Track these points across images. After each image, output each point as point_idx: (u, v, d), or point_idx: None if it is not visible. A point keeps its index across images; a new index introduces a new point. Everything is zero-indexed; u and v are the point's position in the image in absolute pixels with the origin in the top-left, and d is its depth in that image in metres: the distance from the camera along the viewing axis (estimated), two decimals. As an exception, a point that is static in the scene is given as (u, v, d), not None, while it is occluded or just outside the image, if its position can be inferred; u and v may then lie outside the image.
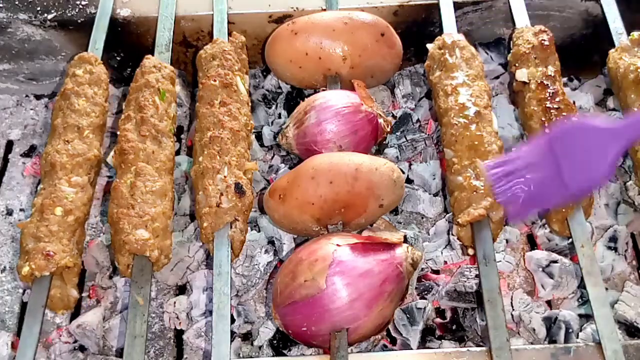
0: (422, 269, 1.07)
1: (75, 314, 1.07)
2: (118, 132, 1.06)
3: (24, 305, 1.10)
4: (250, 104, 1.13)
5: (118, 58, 1.33)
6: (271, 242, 1.11)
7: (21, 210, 1.23)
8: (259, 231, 1.12)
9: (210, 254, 0.98)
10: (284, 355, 1.01)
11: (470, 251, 1.00)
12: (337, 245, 0.92)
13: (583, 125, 0.85)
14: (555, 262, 1.05)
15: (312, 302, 0.89)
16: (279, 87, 1.31)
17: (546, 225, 1.06)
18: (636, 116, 0.83)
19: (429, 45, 1.16)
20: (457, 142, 1.02)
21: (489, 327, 0.88)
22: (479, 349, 0.90)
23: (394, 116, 1.24)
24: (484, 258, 0.94)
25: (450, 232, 1.08)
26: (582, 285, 1.01)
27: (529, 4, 1.22)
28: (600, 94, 1.29)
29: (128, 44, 1.29)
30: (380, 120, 1.11)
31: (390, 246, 0.95)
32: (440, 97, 1.08)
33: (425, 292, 1.05)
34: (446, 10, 1.21)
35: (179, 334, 1.06)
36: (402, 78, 1.29)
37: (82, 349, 1.04)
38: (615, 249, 1.08)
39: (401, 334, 1.00)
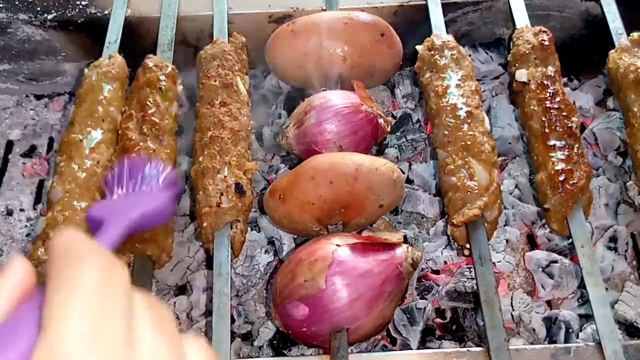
0: (422, 269, 1.07)
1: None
2: (119, 131, 1.06)
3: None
4: (250, 104, 1.13)
5: (118, 58, 1.33)
6: (271, 242, 1.11)
7: (21, 210, 1.23)
8: (259, 231, 1.12)
9: (210, 253, 0.98)
10: (284, 355, 1.01)
11: (466, 251, 1.00)
12: (337, 245, 0.93)
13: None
14: (555, 262, 1.05)
15: (312, 302, 0.89)
16: (279, 87, 1.31)
17: (546, 225, 1.06)
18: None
19: (418, 47, 1.16)
20: (449, 143, 1.02)
21: (486, 327, 0.88)
22: (479, 349, 0.90)
23: (393, 116, 1.24)
24: (480, 258, 0.94)
25: (446, 232, 1.09)
26: (582, 285, 1.01)
27: (529, 4, 1.22)
28: (600, 94, 1.29)
29: (128, 43, 1.28)
30: (380, 120, 1.11)
31: (390, 246, 0.95)
32: (431, 99, 1.08)
33: (425, 292, 1.05)
34: (434, 11, 1.21)
35: (178, 334, 1.06)
36: (402, 78, 1.30)
37: (82, 349, 1.04)
38: (615, 249, 1.08)
39: (401, 334, 1.00)
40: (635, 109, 1.05)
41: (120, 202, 0.80)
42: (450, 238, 1.05)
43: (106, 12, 1.28)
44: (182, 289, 1.11)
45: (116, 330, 0.35)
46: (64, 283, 0.36)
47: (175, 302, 1.07)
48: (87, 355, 0.34)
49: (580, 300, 1.03)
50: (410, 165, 1.20)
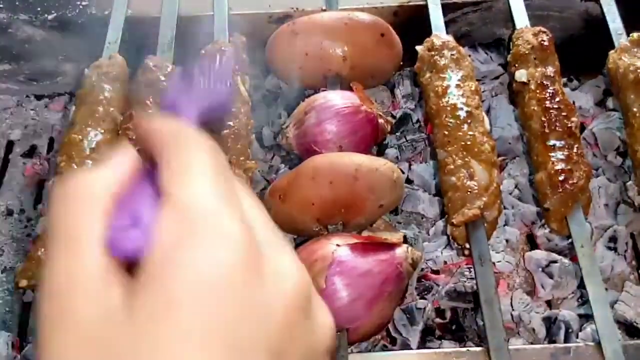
0: (422, 269, 1.07)
1: (75, 314, 1.07)
2: (119, 131, 1.07)
3: (24, 306, 1.10)
4: (250, 103, 1.13)
5: (118, 58, 1.33)
6: (271, 242, 1.10)
7: (21, 210, 1.23)
8: (259, 231, 1.12)
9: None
10: (284, 355, 1.00)
11: (466, 251, 1.00)
12: (337, 245, 0.93)
13: None
14: (555, 262, 1.05)
15: (312, 302, 0.89)
16: (279, 87, 1.31)
17: (546, 225, 1.06)
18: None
19: (418, 48, 1.16)
20: (449, 143, 1.02)
21: (486, 327, 0.88)
22: (478, 348, 0.90)
23: (393, 116, 1.24)
24: (480, 258, 0.94)
25: (446, 232, 1.09)
26: (582, 285, 1.01)
27: (528, 5, 1.22)
28: (600, 94, 1.29)
29: (128, 43, 1.29)
30: (380, 121, 1.11)
31: (390, 246, 0.95)
32: (431, 99, 1.08)
33: (425, 292, 1.05)
34: (434, 11, 1.21)
35: (179, 333, 1.06)
36: (402, 78, 1.30)
37: (82, 348, 1.04)
38: (615, 249, 1.08)
39: (401, 334, 1.00)
40: (635, 109, 1.05)
41: (189, 91, 0.78)
42: (450, 238, 1.05)
43: (106, 12, 1.28)
44: (182, 289, 1.10)
45: (234, 191, 0.39)
46: (181, 155, 0.39)
47: (175, 302, 1.07)
48: (218, 208, 0.37)
49: (580, 300, 1.03)
50: (410, 165, 1.20)
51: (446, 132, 1.03)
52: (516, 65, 1.13)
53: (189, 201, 0.37)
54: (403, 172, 1.11)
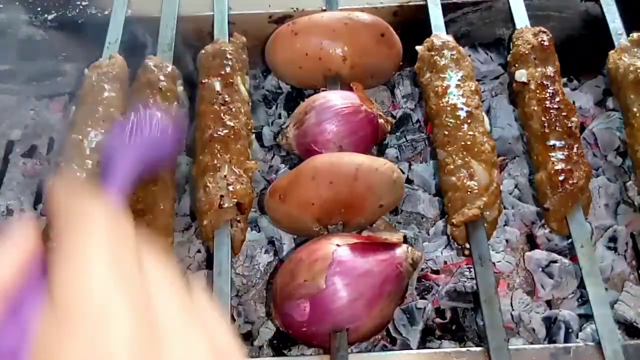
0: (422, 269, 1.07)
1: (75, 314, 1.07)
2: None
3: (24, 305, 1.10)
4: (250, 103, 1.13)
5: (118, 58, 1.33)
6: (271, 242, 1.11)
7: (21, 210, 1.23)
8: (259, 231, 1.12)
9: (210, 251, 0.98)
10: (284, 355, 1.01)
11: (466, 251, 1.00)
12: (337, 245, 0.93)
13: None
14: (555, 262, 1.05)
15: (312, 302, 0.89)
16: (279, 87, 1.31)
17: (546, 225, 1.06)
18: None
19: (418, 48, 1.16)
20: (449, 143, 1.02)
21: (486, 327, 0.88)
22: (478, 349, 0.90)
23: (393, 116, 1.24)
24: (480, 258, 0.94)
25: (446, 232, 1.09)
26: (582, 285, 1.01)
27: (528, 5, 1.22)
28: (600, 94, 1.29)
29: (128, 43, 1.29)
30: (380, 121, 1.11)
31: (390, 246, 0.95)
32: (431, 99, 1.08)
33: (425, 292, 1.05)
34: (434, 11, 1.21)
35: (179, 333, 1.06)
36: (402, 78, 1.30)
37: (82, 348, 1.04)
38: (615, 249, 1.08)
39: (401, 334, 1.00)
40: (635, 109, 1.05)
41: (129, 137, 0.75)
42: (450, 238, 1.05)
43: (106, 12, 1.28)
44: (182, 289, 1.10)
45: (132, 272, 0.35)
46: (73, 239, 0.35)
47: (175, 302, 1.07)
48: (106, 301, 0.33)
49: (580, 300, 1.03)
50: (410, 165, 1.20)
51: (446, 132, 1.03)
52: (516, 65, 1.13)
53: (73, 295, 0.33)
54: (403, 172, 1.11)
